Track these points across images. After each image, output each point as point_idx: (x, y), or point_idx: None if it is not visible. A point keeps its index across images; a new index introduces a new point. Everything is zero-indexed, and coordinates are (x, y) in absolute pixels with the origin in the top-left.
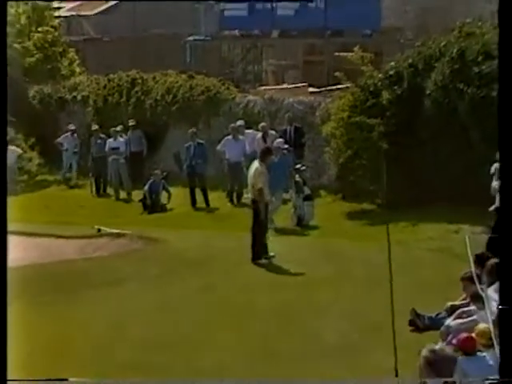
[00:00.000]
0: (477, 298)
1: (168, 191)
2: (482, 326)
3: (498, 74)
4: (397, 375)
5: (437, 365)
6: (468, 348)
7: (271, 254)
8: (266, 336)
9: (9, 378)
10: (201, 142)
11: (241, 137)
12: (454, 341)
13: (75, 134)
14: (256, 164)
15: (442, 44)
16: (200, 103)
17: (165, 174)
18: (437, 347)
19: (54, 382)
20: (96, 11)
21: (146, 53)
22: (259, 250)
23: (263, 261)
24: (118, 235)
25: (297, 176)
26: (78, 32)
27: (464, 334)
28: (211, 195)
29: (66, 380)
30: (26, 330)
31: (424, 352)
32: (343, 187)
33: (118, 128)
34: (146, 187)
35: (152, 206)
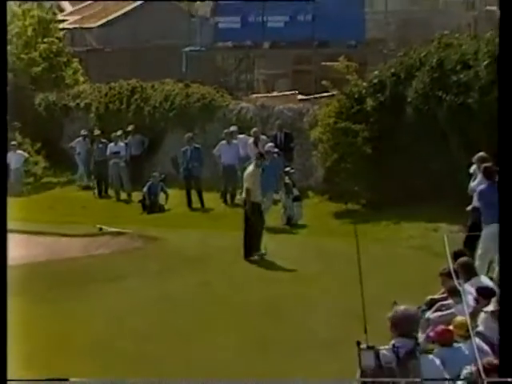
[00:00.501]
0: (454, 293)
1: (165, 192)
2: (459, 318)
3: (474, 83)
4: (365, 332)
5: (401, 323)
6: (445, 339)
7: (262, 251)
8: (259, 329)
9: (9, 377)
10: (197, 146)
11: (234, 141)
12: (432, 333)
13: (87, 139)
14: (251, 167)
15: (423, 54)
16: (196, 110)
17: (163, 176)
18: (401, 307)
19: (53, 382)
20: (98, 24)
21: (145, 63)
22: (251, 248)
23: (255, 257)
24: (119, 234)
25: (286, 178)
26: (82, 43)
27: (441, 326)
28: (206, 196)
29: (67, 380)
30: (34, 323)
31: (389, 314)
32: (330, 189)
33: (119, 133)
34: (145, 188)
35: (151, 206)
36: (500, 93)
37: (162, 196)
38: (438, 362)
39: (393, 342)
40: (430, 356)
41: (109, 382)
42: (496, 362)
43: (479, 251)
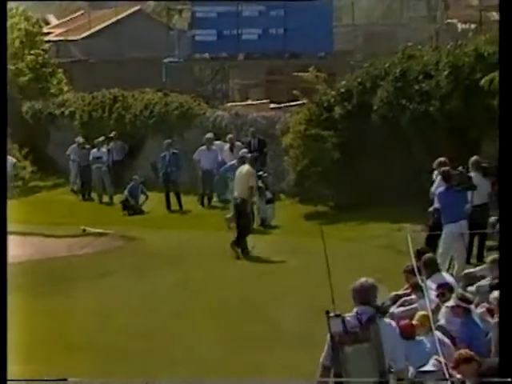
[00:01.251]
0: (417, 288)
1: (145, 194)
2: (421, 312)
3: (435, 92)
4: (333, 302)
5: (361, 293)
6: (408, 333)
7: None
8: (236, 323)
9: (9, 377)
10: (175, 151)
11: (213, 147)
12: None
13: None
14: (246, 166)
15: (387, 65)
16: (174, 118)
17: (143, 179)
18: (361, 280)
19: (54, 382)
20: (82, 36)
21: (127, 73)
22: (243, 245)
23: (246, 254)
24: (102, 235)
25: (260, 182)
26: (66, 55)
27: (404, 321)
28: (184, 199)
29: (65, 380)
30: (23, 318)
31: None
32: (300, 191)
33: (101, 139)
34: (127, 190)
35: (131, 206)
36: (500, 93)
37: (142, 198)
38: (393, 324)
39: (355, 309)
40: (387, 320)
41: (108, 382)
42: (468, 353)
43: (440, 250)
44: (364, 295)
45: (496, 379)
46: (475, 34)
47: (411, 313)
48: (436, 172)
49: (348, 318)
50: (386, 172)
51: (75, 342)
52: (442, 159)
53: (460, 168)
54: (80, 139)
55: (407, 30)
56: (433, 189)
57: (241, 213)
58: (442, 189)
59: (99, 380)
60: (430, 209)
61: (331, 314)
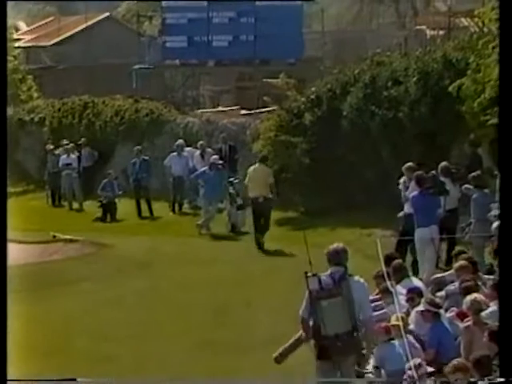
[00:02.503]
0: (387, 294)
1: (120, 190)
2: (394, 316)
3: (404, 98)
4: (310, 263)
5: (333, 255)
6: (383, 336)
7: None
8: (206, 328)
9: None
10: (145, 158)
11: (184, 154)
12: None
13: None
14: (262, 166)
15: (356, 71)
16: (145, 124)
17: (116, 176)
18: (333, 244)
19: (52, 382)
20: (52, 42)
21: (97, 80)
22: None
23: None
24: (72, 241)
25: (231, 188)
26: (36, 61)
27: (379, 324)
28: (155, 205)
29: (75, 380)
30: None
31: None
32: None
33: (71, 146)
34: (100, 188)
35: (108, 203)
36: (501, 93)
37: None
38: (362, 280)
39: (330, 270)
40: (356, 277)
41: (115, 383)
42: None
43: (419, 259)
44: (337, 257)
45: (496, 379)
46: (444, 41)
47: (382, 317)
48: (405, 177)
49: (323, 277)
50: (356, 177)
51: (45, 348)
52: (411, 164)
53: (433, 172)
54: (49, 146)
55: (376, 36)
56: (407, 193)
57: (263, 211)
58: (415, 193)
59: (107, 380)
60: (400, 214)
61: (309, 274)
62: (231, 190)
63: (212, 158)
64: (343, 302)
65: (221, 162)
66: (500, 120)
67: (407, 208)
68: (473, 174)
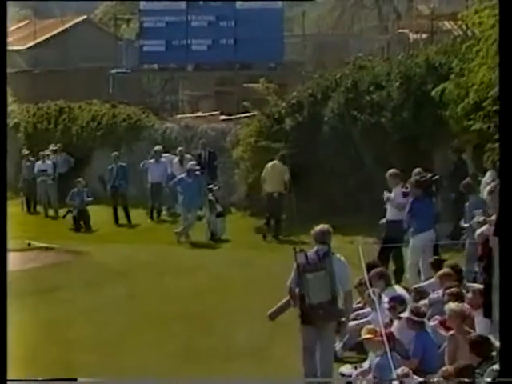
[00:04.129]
0: (370, 302)
1: (89, 198)
2: (368, 326)
3: (386, 103)
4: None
5: (319, 235)
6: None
7: None
8: (184, 339)
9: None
10: (123, 164)
11: (162, 160)
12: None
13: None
14: (279, 163)
15: (338, 76)
16: (122, 129)
17: (85, 183)
18: (319, 225)
19: (52, 382)
20: (28, 46)
21: (73, 84)
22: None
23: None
24: (48, 249)
25: (210, 195)
26: (11, 65)
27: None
28: (133, 213)
29: (75, 380)
30: None
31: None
32: (251, 204)
33: (46, 152)
34: (68, 198)
35: (78, 213)
36: (501, 94)
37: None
38: (343, 258)
39: (315, 247)
40: (338, 255)
41: (117, 382)
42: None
43: (408, 262)
44: (322, 236)
45: (496, 379)
46: (426, 44)
47: (365, 326)
48: (393, 183)
49: (309, 253)
50: (338, 183)
51: (19, 358)
52: (396, 171)
53: (435, 175)
54: (24, 151)
55: (358, 40)
56: (398, 199)
57: (277, 206)
58: (414, 198)
59: (109, 380)
60: (382, 221)
61: (297, 249)
62: (210, 197)
63: (189, 164)
64: (326, 275)
65: (198, 167)
66: (500, 120)
67: (392, 214)
68: (464, 181)
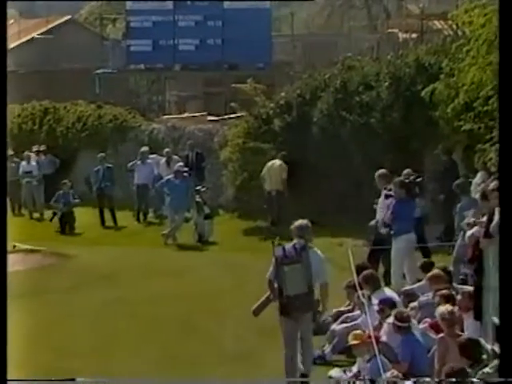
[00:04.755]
0: (359, 305)
1: (75, 200)
2: (355, 332)
3: (376, 103)
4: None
5: (297, 230)
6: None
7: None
8: (171, 342)
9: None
10: (109, 165)
11: (149, 161)
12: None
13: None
14: (279, 161)
15: (327, 76)
16: (108, 130)
17: (72, 185)
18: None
19: (52, 382)
20: (12, 46)
21: (59, 85)
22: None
23: None
24: (33, 251)
25: (197, 197)
26: None
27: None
28: (119, 215)
29: (74, 380)
30: None
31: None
32: (239, 206)
33: (31, 153)
34: (53, 200)
35: (63, 216)
36: (501, 94)
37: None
38: (319, 252)
39: (294, 241)
40: (315, 249)
41: (117, 382)
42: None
43: (392, 265)
44: (300, 231)
45: (496, 379)
46: (416, 44)
47: (354, 329)
48: (381, 184)
49: (287, 247)
50: (327, 185)
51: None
52: (385, 171)
53: (419, 177)
54: (9, 152)
55: (347, 40)
56: (387, 201)
57: (276, 204)
58: (397, 199)
59: (107, 380)
60: (372, 222)
61: (275, 243)
62: (198, 199)
63: (176, 166)
64: (302, 268)
65: (186, 169)
66: (500, 120)
67: (382, 216)
68: (457, 181)
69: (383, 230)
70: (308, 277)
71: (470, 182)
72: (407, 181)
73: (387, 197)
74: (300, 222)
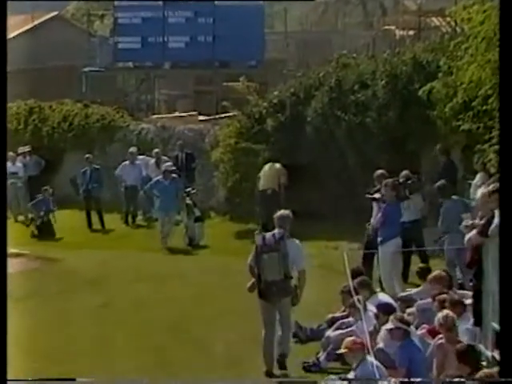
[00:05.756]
0: (355, 310)
1: (53, 208)
2: (349, 339)
3: (372, 102)
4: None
5: (278, 220)
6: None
7: None
8: (159, 346)
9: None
10: (96, 167)
11: (138, 162)
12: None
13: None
14: (278, 164)
15: (321, 74)
16: (95, 131)
17: (52, 190)
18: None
19: (52, 382)
20: None
21: (44, 83)
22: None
23: None
24: (18, 255)
25: (188, 199)
26: None
27: (352, 339)
28: (107, 217)
29: (74, 380)
30: None
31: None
32: (231, 209)
33: (16, 154)
34: (30, 205)
35: (41, 224)
36: (501, 94)
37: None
38: (297, 241)
39: (274, 231)
40: (293, 239)
41: (117, 382)
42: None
43: (382, 271)
44: (281, 221)
45: (497, 379)
46: (413, 42)
47: (349, 336)
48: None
49: (267, 236)
50: (321, 187)
51: None
52: (382, 172)
53: (408, 179)
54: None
55: (342, 37)
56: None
57: (270, 203)
58: (388, 203)
59: (109, 380)
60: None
61: (256, 232)
62: (188, 201)
63: (165, 166)
64: (279, 256)
65: (174, 168)
66: (500, 119)
67: (379, 218)
68: (438, 183)
69: (373, 234)
70: (285, 264)
71: (470, 184)
72: (397, 183)
73: (374, 200)
74: (281, 212)
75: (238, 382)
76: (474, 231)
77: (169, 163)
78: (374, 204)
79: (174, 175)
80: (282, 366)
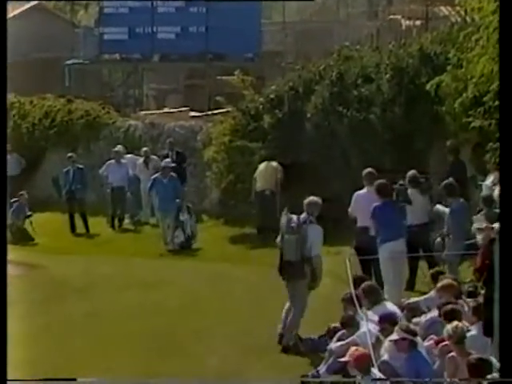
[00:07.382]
0: (349, 323)
1: (29, 216)
2: (353, 348)
3: (376, 97)
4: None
5: (309, 205)
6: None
7: None
8: (148, 358)
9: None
10: (80, 166)
11: (124, 161)
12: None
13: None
14: (274, 162)
15: (322, 67)
16: (79, 127)
17: (26, 195)
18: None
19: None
20: None
21: (24, 77)
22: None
23: None
24: None
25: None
26: None
27: (357, 350)
28: (91, 221)
29: (75, 380)
30: None
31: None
32: (225, 211)
33: None
34: (10, 212)
35: (16, 231)
36: (501, 94)
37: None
38: (318, 226)
39: (302, 215)
40: (316, 225)
41: (117, 382)
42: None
43: (383, 280)
44: (309, 207)
45: (496, 379)
46: (420, 32)
47: (351, 346)
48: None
49: (293, 218)
50: (322, 187)
51: None
52: (371, 170)
53: (401, 181)
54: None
55: (345, 27)
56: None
57: (268, 204)
58: (377, 204)
59: (109, 380)
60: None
61: (284, 212)
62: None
63: (163, 162)
64: (298, 239)
65: (173, 164)
66: (500, 119)
67: (370, 220)
68: (445, 181)
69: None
70: (302, 247)
71: (480, 185)
72: (384, 184)
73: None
74: (310, 198)
75: (239, 382)
76: (484, 234)
77: (168, 159)
78: None
79: (172, 173)
80: (281, 342)
